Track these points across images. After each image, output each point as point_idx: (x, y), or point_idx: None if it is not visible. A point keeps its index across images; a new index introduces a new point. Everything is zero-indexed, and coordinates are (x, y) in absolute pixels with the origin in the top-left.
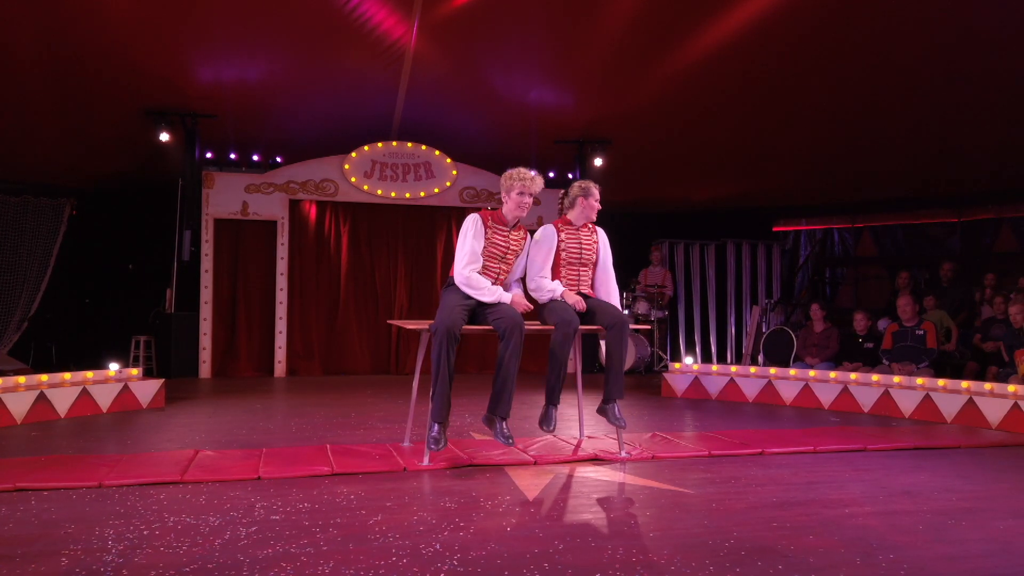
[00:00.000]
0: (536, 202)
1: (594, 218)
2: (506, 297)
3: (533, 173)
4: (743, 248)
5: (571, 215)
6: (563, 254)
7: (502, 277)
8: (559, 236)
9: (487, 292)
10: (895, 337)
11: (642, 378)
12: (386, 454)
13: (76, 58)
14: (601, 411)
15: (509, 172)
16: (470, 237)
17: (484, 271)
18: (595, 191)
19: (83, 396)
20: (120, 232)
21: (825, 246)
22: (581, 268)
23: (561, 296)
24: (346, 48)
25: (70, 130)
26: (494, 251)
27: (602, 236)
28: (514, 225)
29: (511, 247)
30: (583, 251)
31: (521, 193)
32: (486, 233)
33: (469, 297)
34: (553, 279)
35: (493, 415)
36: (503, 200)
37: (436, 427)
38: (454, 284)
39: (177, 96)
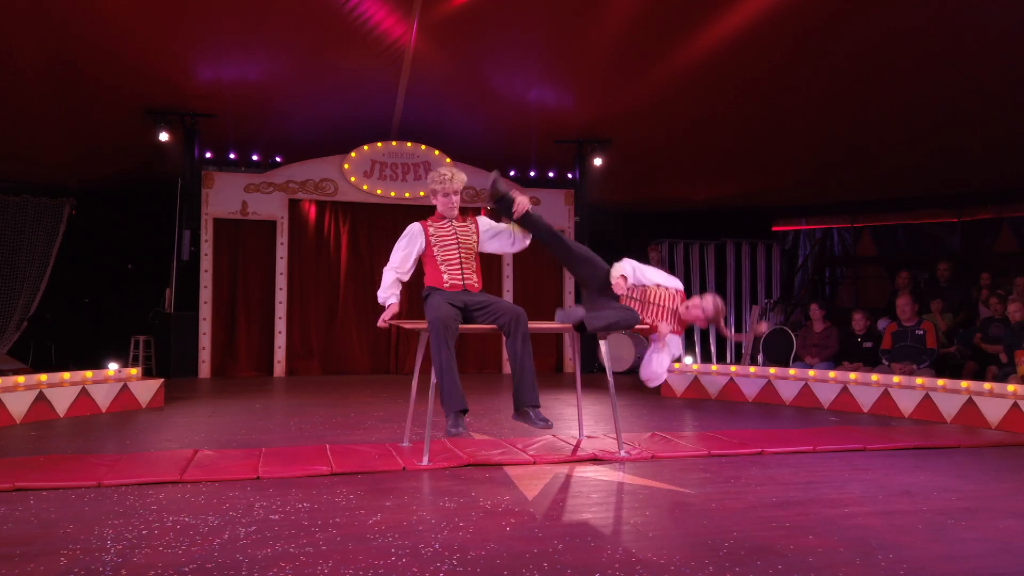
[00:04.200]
0: (536, 201)
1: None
2: (391, 305)
3: (453, 171)
4: (743, 248)
5: None
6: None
7: (467, 267)
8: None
9: (382, 291)
10: (894, 337)
11: None
12: (385, 454)
13: (76, 58)
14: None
15: (430, 175)
16: (403, 244)
17: (447, 263)
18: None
19: (82, 396)
20: (120, 232)
21: (825, 246)
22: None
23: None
24: (346, 48)
25: (70, 130)
26: (447, 244)
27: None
28: (458, 219)
29: (460, 234)
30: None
31: (445, 195)
32: (428, 232)
33: (453, 297)
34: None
35: (523, 407)
36: (435, 203)
37: (453, 415)
38: (433, 292)
39: (177, 96)
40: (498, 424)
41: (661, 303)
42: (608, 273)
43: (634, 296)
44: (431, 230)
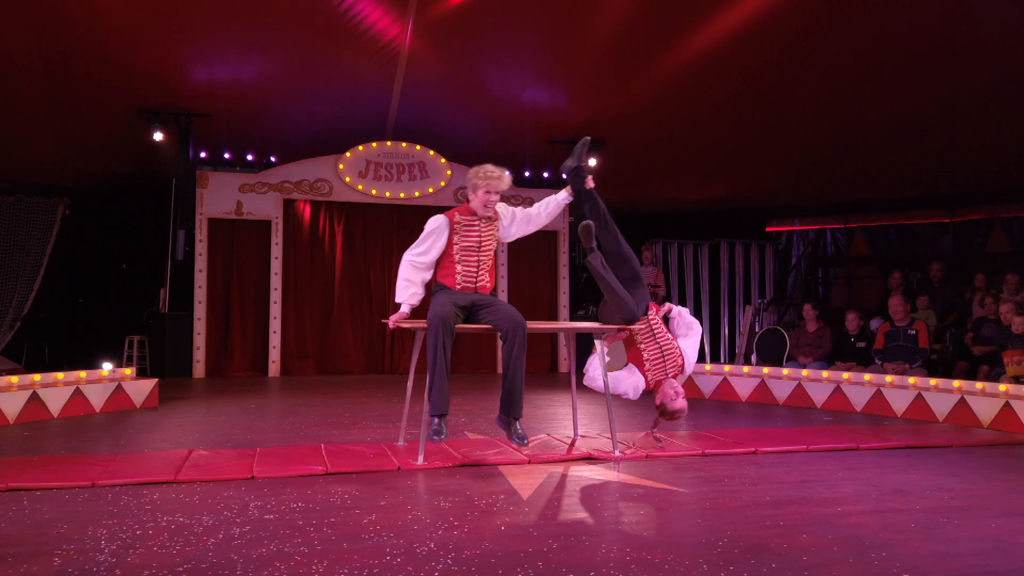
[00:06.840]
0: (529, 202)
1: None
2: (404, 308)
3: (502, 172)
4: (736, 248)
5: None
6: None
7: (483, 268)
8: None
9: (400, 289)
10: (887, 337)
11: None
12: (380, 453)
13: (70, 57)
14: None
15: (476, 169)
16: (427, 241)
17: (464, 263)
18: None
19: (76, 396)
20: (114, 231)
21: (818, 246)
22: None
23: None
24: (341, 48)
25: (64, 129)
26: (469, 243)
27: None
28: (486, 218)
29: (484, 236)
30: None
31: (488, 192)
32: (453, 225)
33: (458, 297)
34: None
35: (507, 416)
36: (469, 197)
37: (436, 419)
38: (441, 288)
39: (171, 95)
40: (493, 424)
41: (663, 353)
42: (641, 277)
43: (654, 325)
44: (457, 225)
